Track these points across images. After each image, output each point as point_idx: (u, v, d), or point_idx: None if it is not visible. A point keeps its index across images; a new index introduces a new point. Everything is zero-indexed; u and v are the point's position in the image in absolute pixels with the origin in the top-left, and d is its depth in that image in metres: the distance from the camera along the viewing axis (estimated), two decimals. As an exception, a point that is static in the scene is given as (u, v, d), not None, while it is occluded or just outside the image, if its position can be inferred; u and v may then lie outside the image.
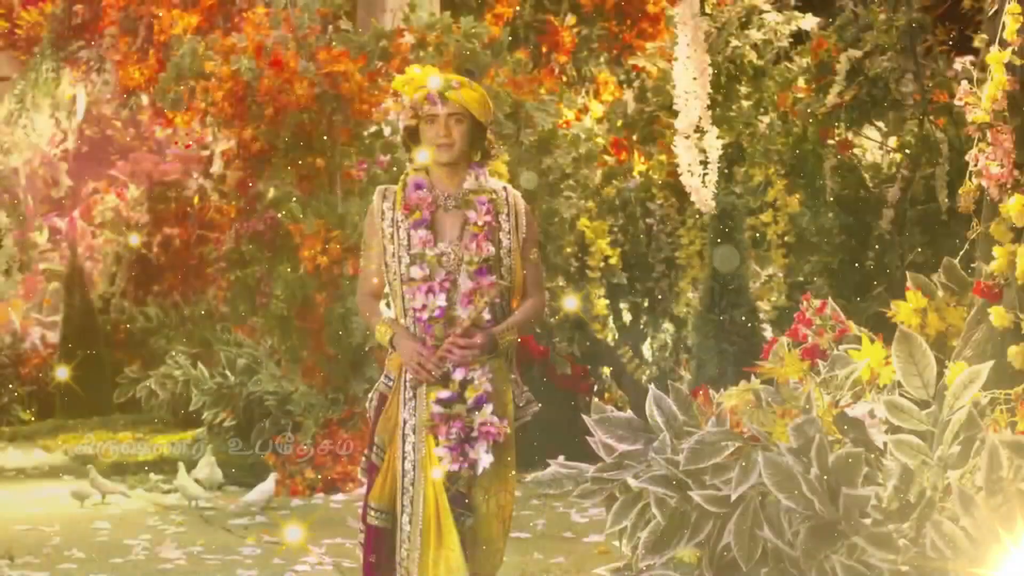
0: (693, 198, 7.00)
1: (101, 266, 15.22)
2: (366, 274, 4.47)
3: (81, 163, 15.49)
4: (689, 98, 6.79)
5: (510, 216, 4.41)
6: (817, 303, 5.16)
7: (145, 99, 14.09)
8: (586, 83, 13.03)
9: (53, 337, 14.68)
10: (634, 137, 11.15)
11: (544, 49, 13.28)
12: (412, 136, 4.42)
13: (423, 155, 4.38)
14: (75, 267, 14.47)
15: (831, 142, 10.02)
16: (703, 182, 6.90)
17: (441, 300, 4.30)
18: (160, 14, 12.93)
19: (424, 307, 4.30)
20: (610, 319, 10.99)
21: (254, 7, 11.38)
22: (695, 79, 6.78)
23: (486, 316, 4.33)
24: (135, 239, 14.40)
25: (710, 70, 6.97)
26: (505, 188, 4.46)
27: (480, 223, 4.34)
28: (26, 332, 15.07)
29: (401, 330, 4.34)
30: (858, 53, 9.49)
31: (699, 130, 6.88)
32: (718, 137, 7.02)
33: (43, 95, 14.20)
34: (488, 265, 4.33)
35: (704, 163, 6.94)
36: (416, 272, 4.31)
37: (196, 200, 14.32)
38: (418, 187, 4.38)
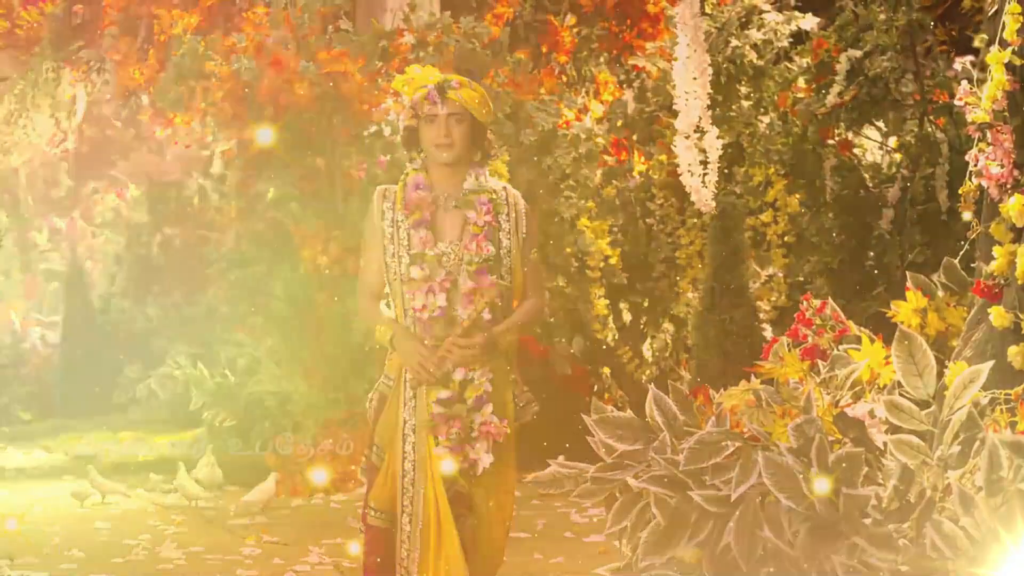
0: (693, 198, 7.00)
1: (101, 266, 15.22)
2: (366, 274, 4.47)
3: (81, 163, 15.49)
4: (689, 98, 6.78)
5: (510, 216, 4.41)
6: (817, 303, 5.15)
7: (145, 99, 14.09)
8: (586, 83, 13.01)
9: (53, 337, 14.67)
10: (634, 137, 11.14)
11: (544, 49, 13.26)
12: (412, 136, 4.41)
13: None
14: (75, 267, 14.46)
15: (831, 142, 10.01)
16: (703, 182, 6.90)
17: (441, 300, 4.30)
18: (160, 14, 12.93)
19: (424, 307, 4.30)
20: (610, 319, 10.98)
21: (254, 7, 11.38)
22: (695, 79, 6.78)
23: (486, 316, 4.33)
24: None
25: (710, 70, 6.96)
26: (505, 188, 4.47)
27: (480, 223, 4.34)
28: (26, 332, 15.07)
29: (401, 330, 4.34)
30: (858, 53, 9.49)
31: (699, 130, 6.87)
32: (718, 137, 7.01)
33: (43, 95, 14.19)
34: (488, 265, 4.33)
35: (704, 163, 6.93)
36: (416, 272, 4.31)
37: (196, 200, 14.32)
38: (418, 187, 4.38)
